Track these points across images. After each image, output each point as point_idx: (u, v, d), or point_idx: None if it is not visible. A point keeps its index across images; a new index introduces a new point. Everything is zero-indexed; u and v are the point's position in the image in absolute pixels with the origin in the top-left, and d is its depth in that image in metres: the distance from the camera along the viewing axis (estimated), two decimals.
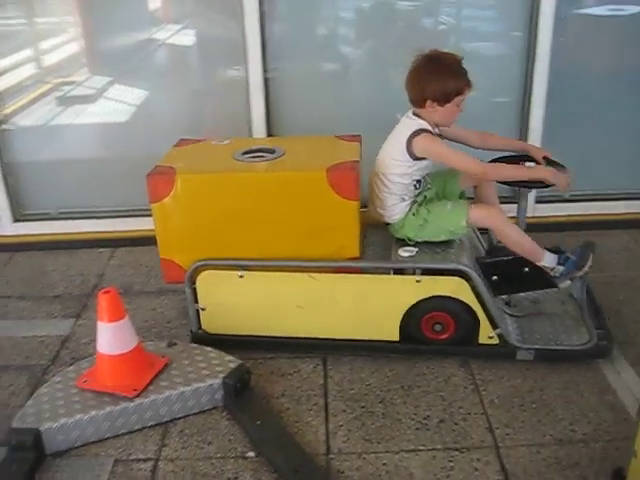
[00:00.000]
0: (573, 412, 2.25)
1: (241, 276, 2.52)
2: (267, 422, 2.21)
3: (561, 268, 2.51)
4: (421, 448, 2.13)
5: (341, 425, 2.24)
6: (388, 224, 2.60)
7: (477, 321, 2.46)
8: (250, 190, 2.45)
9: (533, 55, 3.28)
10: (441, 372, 2.48)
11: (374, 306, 2.50)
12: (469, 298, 2.42)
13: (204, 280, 2.55)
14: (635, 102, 3.51)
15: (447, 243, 2.58)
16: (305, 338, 2.59)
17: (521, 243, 2.50)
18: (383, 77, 3.48)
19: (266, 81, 3.30)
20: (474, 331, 2.48)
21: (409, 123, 2.47)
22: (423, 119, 2.46)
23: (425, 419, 2.25)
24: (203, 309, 2.60)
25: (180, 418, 2.27)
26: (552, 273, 2.52)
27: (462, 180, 2.66)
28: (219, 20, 3.34)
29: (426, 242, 2.58)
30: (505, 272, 2.56)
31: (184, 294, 2.60)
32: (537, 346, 2.47)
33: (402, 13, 3.42)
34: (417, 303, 2.45)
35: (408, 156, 2.44)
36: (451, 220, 2.51)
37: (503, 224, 2.49)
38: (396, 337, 2.53)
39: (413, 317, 2.48)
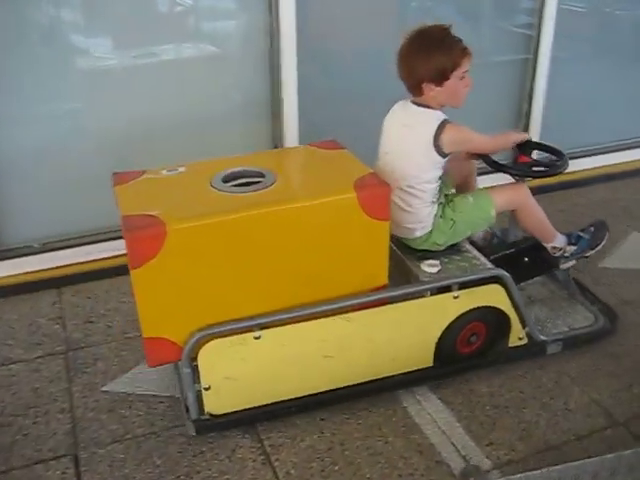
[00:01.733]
0: (381, 466, 1.97)
1: (257, 337, 2.00)
2: None
3: (573, 248, 2.45)
4: None
5: None
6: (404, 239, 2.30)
7: (507, 325, 2.30)
8: (263, 230, 1.92)
9: (277, 30, 2.94)
10: (223, 446, 2.04)
11: (409, 334, 2.18)
12: (505, 303, 2.25)
13: (209, 353, 1.97)
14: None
15: (455, 248, 2.37)
16: (329, 391, 2.16)
17: (544, 222, 2.40)
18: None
19: None
20: (503, 335, 2.32)
21: (422, 119, 2.16)
22: (430, 107, 2.18)
23: None
24: (207, 388, 2.01)
25: None
26: (559, 254, 2.44)
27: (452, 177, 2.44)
28: None
29: (439, 251, 2.33)
30: (508, 264, 2.43)
31: None
32: (561, 336, 2.41)
33: None
34: (454, 321, 2.21)
35: (438, 156, 2.15)
36: (479, 214, 2.30)
37: (531, 201, 2.34)
38: (430, 362, 2.26)
39: (449, 336, 2.23)
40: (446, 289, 2.18)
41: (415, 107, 2.20)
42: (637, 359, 2.36)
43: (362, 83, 3.25)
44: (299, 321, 2.03)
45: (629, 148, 3.97)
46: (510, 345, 2.34)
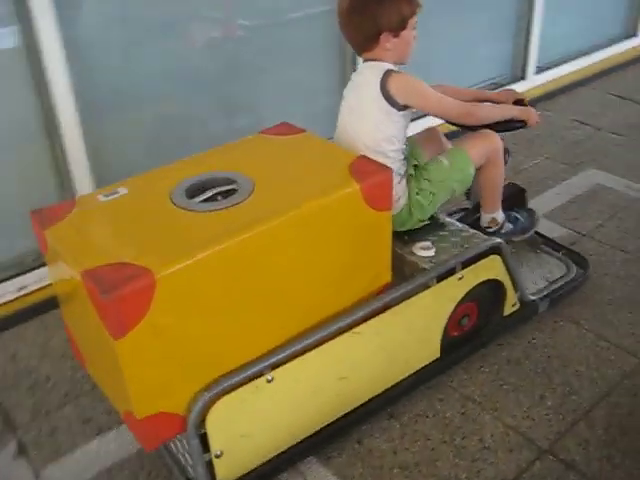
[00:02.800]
0: None
1: (270, 380, 1.63)
2: None
3: (510, 226, 2.30)
4: None
5: None
6: None
7: (502, 294, 2.13)
8: (265, 251, 1.53)
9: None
10: None
11: (419, 330, 1.94)
12: (502, 273, 2.07)
13: (219, 413, 1.57)
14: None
15: (437, 223, 2.13)
16: (344, 416, 1.86)
17: (499, 185, 2.18)
18: None
19: None
20: (497, 307, 2.16)
21: (371, 71, 1.89)
22: (381, 61, 1.92)
23: None
24: (219, 455, 1.62)
25: None
26: (495, 228, 2.26)
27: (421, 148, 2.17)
28: None
29: (420, 230, 2.08)
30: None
31: None
32: (546, 291, 2.28)
33: None
34: (459, 303, 1.99)
35: (392, 107, 1.88)
36: (457, 176, 2.05)
37: (501, 155, 2.11)
38: (437, 353, 2.03)
39: (449, 321, 2.01)
40: (450, 271, 1.94)
41: (365, 63, 1.94)
42: (537, 360, 2.11)
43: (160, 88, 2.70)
44: (310, 349, 1.68)
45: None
46: (505, 315, 2.18)
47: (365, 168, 1.70)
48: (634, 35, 4.72)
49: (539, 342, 2.20)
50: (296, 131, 1.92)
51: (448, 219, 2.16)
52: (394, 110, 1.89)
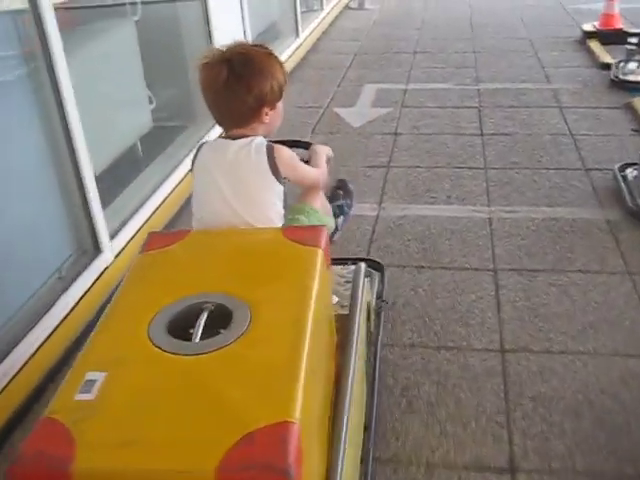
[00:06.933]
0: None
1: None
2: None
3: (341, 219, 2.24)
4: None
5: None
6: None
7: None
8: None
9: None
10: None
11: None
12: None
13: None
14: None
15: None
16: None
17: None
18: None
19: None
20: None
21: (249, 149, 1.72)
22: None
23: None
24: None
25: None
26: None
27: None
28: None
29: None
30: None
31: None
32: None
33: None
34: None
35: (278, 182, 1.76)
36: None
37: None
38: None
39: None
40: None
41: (238, 141, 1.74)
42: None
43: None
44: None
45: None
46: None
47: (298, 234, 1.61)
48: None
49: None
50: (180, 235, 1.64)
51: None
52: (279, 184, 1.76)
